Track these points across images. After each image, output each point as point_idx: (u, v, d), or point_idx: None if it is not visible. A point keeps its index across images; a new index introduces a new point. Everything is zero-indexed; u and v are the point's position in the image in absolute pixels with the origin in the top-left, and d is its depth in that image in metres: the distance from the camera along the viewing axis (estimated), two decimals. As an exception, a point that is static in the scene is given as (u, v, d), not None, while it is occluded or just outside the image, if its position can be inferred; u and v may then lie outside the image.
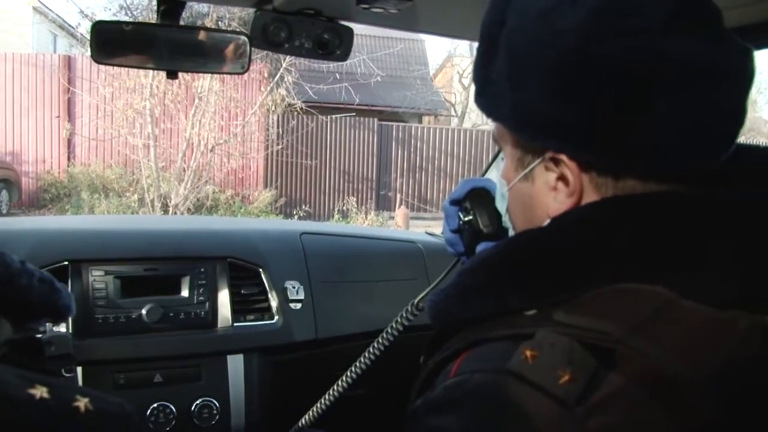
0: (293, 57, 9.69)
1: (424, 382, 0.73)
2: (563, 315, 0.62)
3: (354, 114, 13.17)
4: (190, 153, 10.46)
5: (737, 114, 0.66)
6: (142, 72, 9.55)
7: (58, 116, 12.06)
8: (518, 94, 0.69)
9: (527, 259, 0.68)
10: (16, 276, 0.57)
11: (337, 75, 12.91)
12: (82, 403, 0.55)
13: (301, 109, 11.87)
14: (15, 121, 12.37)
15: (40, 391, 0.52)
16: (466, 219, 1.10)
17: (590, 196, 0.68)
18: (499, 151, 1.94)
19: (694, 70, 0.63)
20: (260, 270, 1.65)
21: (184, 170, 10.37)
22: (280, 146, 12.19)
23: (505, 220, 0.83)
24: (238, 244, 1.67)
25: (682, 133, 0.64)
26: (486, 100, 0.75)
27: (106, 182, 11.47)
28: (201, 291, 1.56)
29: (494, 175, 1.94)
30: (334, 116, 12.85)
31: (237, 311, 1.59)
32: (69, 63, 12.34)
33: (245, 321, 1.60)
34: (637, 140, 0.64)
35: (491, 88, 0.73)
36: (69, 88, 12.05)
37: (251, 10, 1.36)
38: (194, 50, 1.33)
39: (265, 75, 11.87)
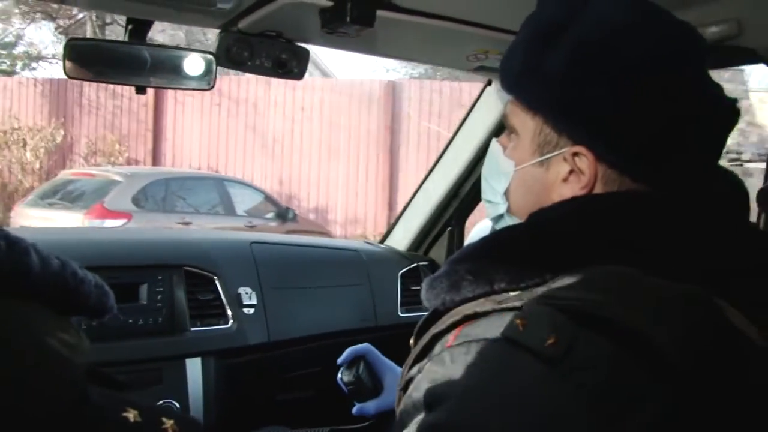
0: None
1: (418, 356, 0.81)
2: (545, 289, 0.73)
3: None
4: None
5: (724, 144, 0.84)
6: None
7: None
8: (573, 90, 0.79)
9: (512, 248, 0.79)
10: (80, 284, 0.56)
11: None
12: (168, 425, 0.56)
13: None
14: (322, 165, 9.92)
15: (133, 414, 0.53)
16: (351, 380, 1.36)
17: (598, 190, 0.80)
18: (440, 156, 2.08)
19: (720, 108, 0.80)
20: (215, 277, 1.72)
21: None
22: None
23: (497, 197, 0.93)
24: (193, 252, 1.74)
25: (701, 154, 0.80)
26: (528, 86, 0.83)
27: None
28: (159, 298, 1.62)
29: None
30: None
31: (193, 317, 1.66)
32: (393, 90, 9.80)
33: (201, 326, 1.66)
34: (670, 155, 0.78)
35: (539, 76, 0.81)
36: (391, 124, 9.59)
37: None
38: (162, 67, 1.40)
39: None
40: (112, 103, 11.17)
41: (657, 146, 0.78)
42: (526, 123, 0.85)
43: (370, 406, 1.32)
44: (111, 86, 9.98)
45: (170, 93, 10.25)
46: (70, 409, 0.47)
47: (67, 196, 8.10)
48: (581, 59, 0.79)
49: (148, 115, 10.87)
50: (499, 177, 0.92)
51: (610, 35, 0.78)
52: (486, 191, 0.96)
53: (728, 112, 0.82)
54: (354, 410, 1.35)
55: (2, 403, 0.44)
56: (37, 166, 10.87)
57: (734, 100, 0.82)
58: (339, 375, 1.37)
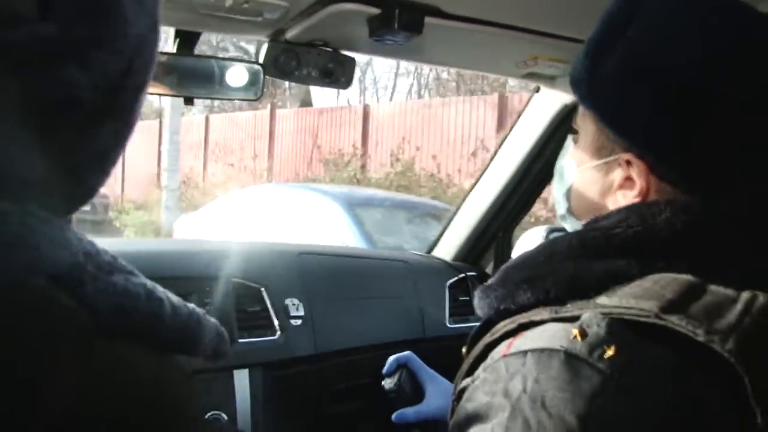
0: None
1: (471, 366, 0.80)
2: (605, 299, 0.71)
3: None
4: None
5: None
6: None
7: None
8: (628, 96, 0.77)
9: (568, 257, 0.77)
10: (201, 330, 0.56)
11: None
12: None
13: None
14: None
15: None
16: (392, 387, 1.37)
17: (652, 198, 0.78)
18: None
19: None
20: (262, 289, 1.71)
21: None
22: None
23: (560, 196, 0.92)
24: (241, 264, 1.74)
25: (758, 170, 0.75)
26: (588, 88, 0.82)
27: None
28: (207, 309, 1.61)
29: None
30: None
31: (241, 328, 1.65)
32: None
33: (249, 337, 1.66)
34: (721, 169, 0.75)
35: (599, 79, 0.79)
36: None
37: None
38: (210, 78, 1.41)
39: None
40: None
41: (709, 159, 0.75)
42: (586, 125, 0.84)
43: (410, 412, 1.32)
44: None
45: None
46: None
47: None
48: (631, 66, 0.77)
49: None
50: (562, 177, 0.91)
51: (660, 41, 0.76)
52: (556, 188, 0.95)
53: None
54: (393, 416, 1.34)
55: None
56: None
57: None
58: (382, 383, 1.36)
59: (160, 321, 0.52)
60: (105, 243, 0.58)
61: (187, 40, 1.40)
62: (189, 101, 1.42)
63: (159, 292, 0.53)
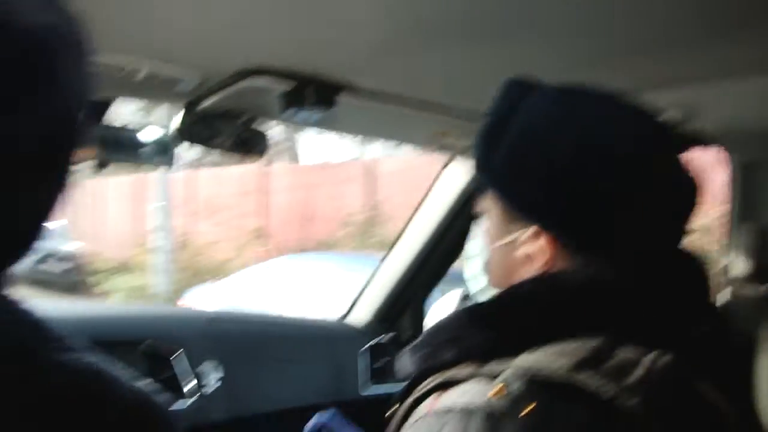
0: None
1: (399, 424, 0.84)
2: (523, 358, 0.76)
3: None
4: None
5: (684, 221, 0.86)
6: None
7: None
8: (514, 186, 0.86)
9: (487, 321, 0.84)
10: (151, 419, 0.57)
11: None
12: None
13: None
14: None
15: None
16: None
17: (559, 265, 0.84)
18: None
19: (666, 185, 0.83)
20: (175, 353, 1.70)
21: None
22: None
23: (478, 272, 0.99)
24: (154, 328, 1.73)
25: (653, 233, 0.83)
26: (487, 173, 0.91)
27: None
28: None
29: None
30: None
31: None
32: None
33: (162, 403, 1.64)
34: (611, 232, 0.82)
35: (489, 170, 0.89)
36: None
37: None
38: (122, 145, 1.42)
39: None
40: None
41: (599, 229, 0.82)
42: (491, 206, 0.91)
43: None
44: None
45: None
46: None
47: None
48: (515, 158, 0.85)
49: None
50: (478, 253, 0.98)
51: (538, 133, 0.85)
52: (470, 266, 1.02)
53: (684, 190, 0.85)
54: None
55: None
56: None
57: (691, 178, 0.86)
58: None
59: (107, 403, 0.53)
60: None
61: (100, 107, 1.42)
62: (102, 166, 1.43)
63: (110, 372, 0.55)
